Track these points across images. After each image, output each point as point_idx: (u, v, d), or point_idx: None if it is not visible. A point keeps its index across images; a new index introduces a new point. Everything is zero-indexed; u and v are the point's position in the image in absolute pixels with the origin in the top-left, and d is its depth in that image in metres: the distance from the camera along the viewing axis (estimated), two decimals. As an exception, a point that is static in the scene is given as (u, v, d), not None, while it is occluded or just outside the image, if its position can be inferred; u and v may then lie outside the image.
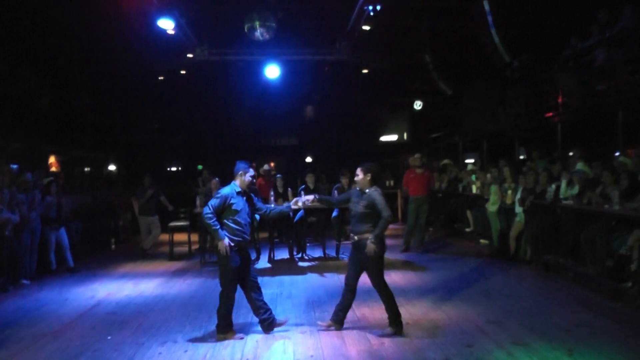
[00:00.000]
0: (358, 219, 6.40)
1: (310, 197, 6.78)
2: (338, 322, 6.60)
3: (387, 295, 6.45)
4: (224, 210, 6.38)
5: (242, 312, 7.37)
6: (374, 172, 6.45)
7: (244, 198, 6.52)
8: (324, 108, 23.14)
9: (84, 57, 15.65)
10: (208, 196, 11.74)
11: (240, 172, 6.54)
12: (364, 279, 9.34)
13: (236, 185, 6.52)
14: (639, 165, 8.61)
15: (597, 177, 8.98)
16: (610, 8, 10.81)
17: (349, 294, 6.57)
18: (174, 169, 25.12)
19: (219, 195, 6.43)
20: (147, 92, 19.99)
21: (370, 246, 6.18)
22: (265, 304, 6.60)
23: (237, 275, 6.40)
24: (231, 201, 6.37)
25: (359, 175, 6.46)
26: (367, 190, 6.39)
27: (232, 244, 6.30)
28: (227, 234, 6.33)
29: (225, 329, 6.40)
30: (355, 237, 6.42)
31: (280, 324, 6.64)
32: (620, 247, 7.64)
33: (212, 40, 16.44)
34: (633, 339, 6.07)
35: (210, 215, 6.28)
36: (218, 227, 6.28)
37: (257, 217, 11.95)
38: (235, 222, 6.38)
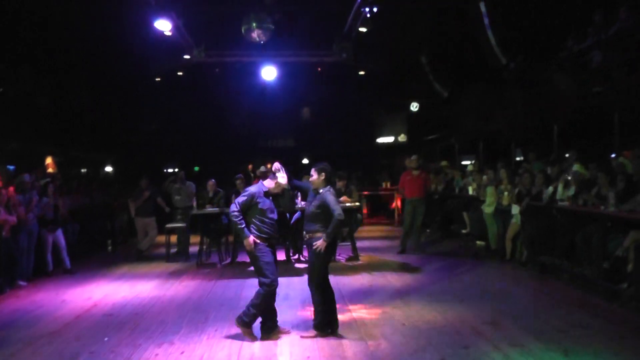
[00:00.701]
0: (310, 219, 6.43)
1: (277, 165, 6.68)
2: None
3: (321, 298, 6.43)
4: (249, 208, 6.44)
5: (237, 313, 7.41)
6: (328, 172, 6.51)
7: (269, 198, 6.59)
8: (321, 109, 23.12)
9: (82, 58, 15.63)
10: (205, 198, 11.76)
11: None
12: (360, 281, 9.40)
13: (264, 185, 6.60)
14: (639, 167, 8.60)
15: (593, 179, 9.00)
16: (606, 10, 10.84)
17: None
18: (170, 170, 25.10)
19: (246, 193, 6.51)
20: (144, 94, 19.97)
21: (320, 242, 6.22)
22: (275, 310, 6.64)
23: (275, 268, 6.48)
24: (258, 199, 6.44)
25: (314, 175, 6.50)
26: (320, 191, 6.43)
27: (258, 241, 6.37)
28: (255, 230, 6.39)
29: (249, 325, 6.40)
30: (307, 236, 6.47)
31: (283, 332, 6.61)
32: (616, 248, 7.66)
33: (209, 42, 16.44)
34: (629, 339, 6.10)
35: (236, 214, 6.36)
36: (243, 225, 6.36)
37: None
38: (262, 220, 6.44)
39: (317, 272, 6.43)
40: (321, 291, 6.44)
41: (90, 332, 6.84)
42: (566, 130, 12.23)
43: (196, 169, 25.30)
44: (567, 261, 8.89)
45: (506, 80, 14.27)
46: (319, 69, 18.54)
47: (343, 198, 11.39)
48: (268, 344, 6.25)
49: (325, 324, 6.45)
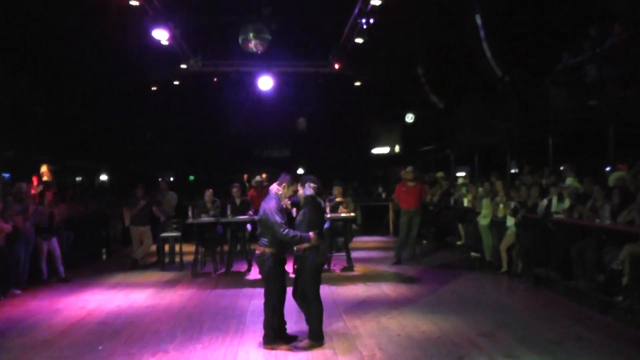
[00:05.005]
0: (297, 229, 6.45)
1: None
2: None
3: (315, 308, 6.44)
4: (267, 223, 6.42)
5: (233, 323, 7.41)
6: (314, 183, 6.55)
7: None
8: (316, 120, 23.20)
9: (78, 67, 15.65)
10: (200, 207, 11.70)
11: (285, 184, 6.67)
12: (355, 292, 9.40)
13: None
14: (637, 180, 8.61)
15: (588, 192, 9.03)
16: (601, 24, 10.91)
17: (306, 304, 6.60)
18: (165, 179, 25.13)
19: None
20: (140, 102, 20.00)
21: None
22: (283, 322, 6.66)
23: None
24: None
25: (300, 190, 6.59)
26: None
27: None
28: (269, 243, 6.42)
29: (272, 341, 6.43)
30: (294, 247, 6.51)
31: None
32: (611, 261, 7.67)
33: (206, 51, 16.50)
34: (623, 352, 6.12)
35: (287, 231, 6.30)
36: (297, 233, 6.32)
37: (249, 227, 12.00)
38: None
39: (311, 282, 6.44)
40: (318, 301, 6.44)
41: (84, 341, 6.82)
42: (561, 143, 12.28)
43: (191, 178, 25.32)
44: (562, 273, 8.92)
45: (502, 93, 14.32)
46: (320, 80, 18.58)
47: (341, 209, 11.38)
48: (264, 353, 6.24)
49: (321, 334, 6.45)
